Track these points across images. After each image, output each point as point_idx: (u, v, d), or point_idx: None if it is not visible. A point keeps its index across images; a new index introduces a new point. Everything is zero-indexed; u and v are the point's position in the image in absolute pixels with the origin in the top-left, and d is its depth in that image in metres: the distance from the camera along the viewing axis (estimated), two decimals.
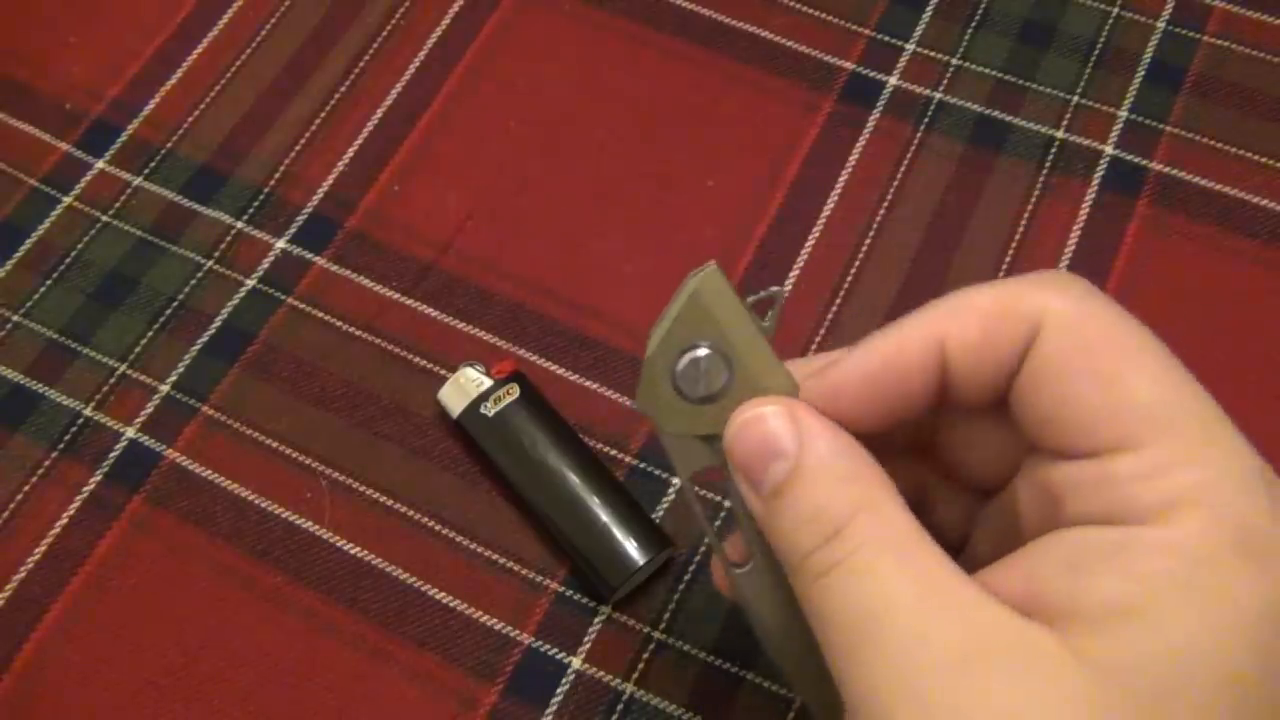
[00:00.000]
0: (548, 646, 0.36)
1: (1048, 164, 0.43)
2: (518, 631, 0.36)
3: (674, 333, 0.26)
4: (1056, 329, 0.24)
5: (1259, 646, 0.21)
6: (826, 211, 0.43)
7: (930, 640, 0.22)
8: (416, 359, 0.40)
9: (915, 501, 0.25)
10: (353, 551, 0.37)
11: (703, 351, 0.26)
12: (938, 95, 0.45)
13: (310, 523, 0.38)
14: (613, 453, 0.39)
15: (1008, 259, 0.41)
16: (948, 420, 0.28)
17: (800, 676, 0.28)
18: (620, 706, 0.35)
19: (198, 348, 0.41)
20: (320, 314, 0.41)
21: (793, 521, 0.25)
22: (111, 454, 0.39)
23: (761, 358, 0.26)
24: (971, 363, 0.25)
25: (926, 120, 0.44)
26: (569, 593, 0.37)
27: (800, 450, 0.25)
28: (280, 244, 0.43)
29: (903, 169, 0.43)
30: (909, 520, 0.24)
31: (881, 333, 0.26)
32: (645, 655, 0.36)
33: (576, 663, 0.36)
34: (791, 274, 0.42)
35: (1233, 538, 0.22)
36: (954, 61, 0.46)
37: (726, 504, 0.38)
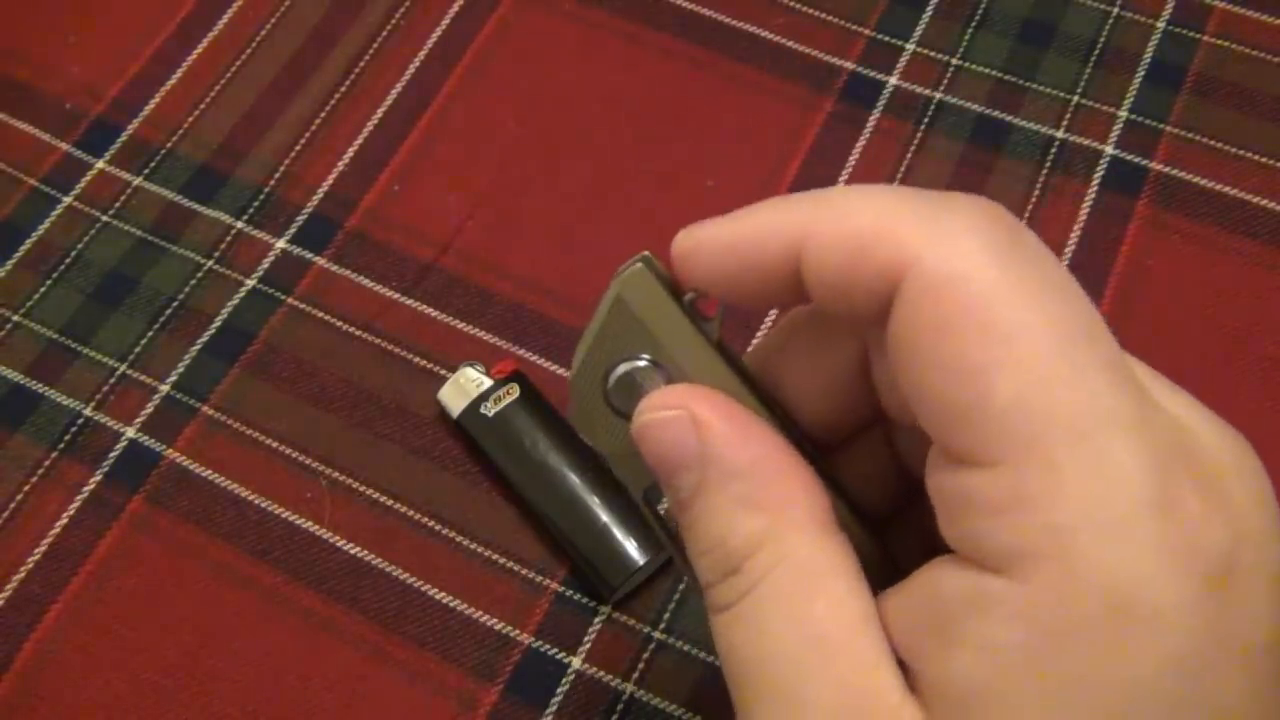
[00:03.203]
0: (548, 646, 0.36)
1: (1048, 164, 0.43)
2: (518, 631, 0.36)
3: (599, 347, 0.23)
4: (916, 291, 0.19)
5: None
6: None
7: (810, 706, 0.20)
8: (416, 359, 0.40)
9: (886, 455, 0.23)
10: (353, 551, 0.37)
11: (637, 363, 0.23)
12: (938, 95, 0.45)
13: (310, 523, 0.38)
14: None
15: None
16: (871, 345, 0.24)
17: None
18: (620, 706, 0.35)
19: (198, 348, 0.41)
20: (320, 314, 0.41)
21: (696, 546, 0.22)
22: (111, 454, 0.39)
23: (704, 367, 0.23)
24: (831, 286, 0.21)
25: (926, 120, 0.44)
26: (569, 593, 0.37)
27: (703, 466, 0.22)
28: (280, 244, 0.43)
29: (903, 169, 0.43)
30: (816, 553, 0.21)
31: (750, 213, 0.22)
32: (645, 655, 0.36)
33: (576, 663, 0.36)
34: None
35: (1101, 600, 0.18)
36: (954, 61, 0.46)
37: None
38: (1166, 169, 0.43)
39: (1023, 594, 0.18)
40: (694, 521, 0.22)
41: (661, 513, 0.26)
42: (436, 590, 0.37)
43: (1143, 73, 0.45)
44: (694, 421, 0.22)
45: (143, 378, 0.40)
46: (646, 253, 0.24)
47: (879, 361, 0.23)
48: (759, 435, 0.22)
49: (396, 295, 0.42)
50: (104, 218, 0.43)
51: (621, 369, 0.23)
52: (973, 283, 0.19)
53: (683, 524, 0.23)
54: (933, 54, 0.46)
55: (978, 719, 0.19)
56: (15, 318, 0.41)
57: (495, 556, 0.37)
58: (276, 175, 0.44)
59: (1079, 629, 0.18)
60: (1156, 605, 0.18)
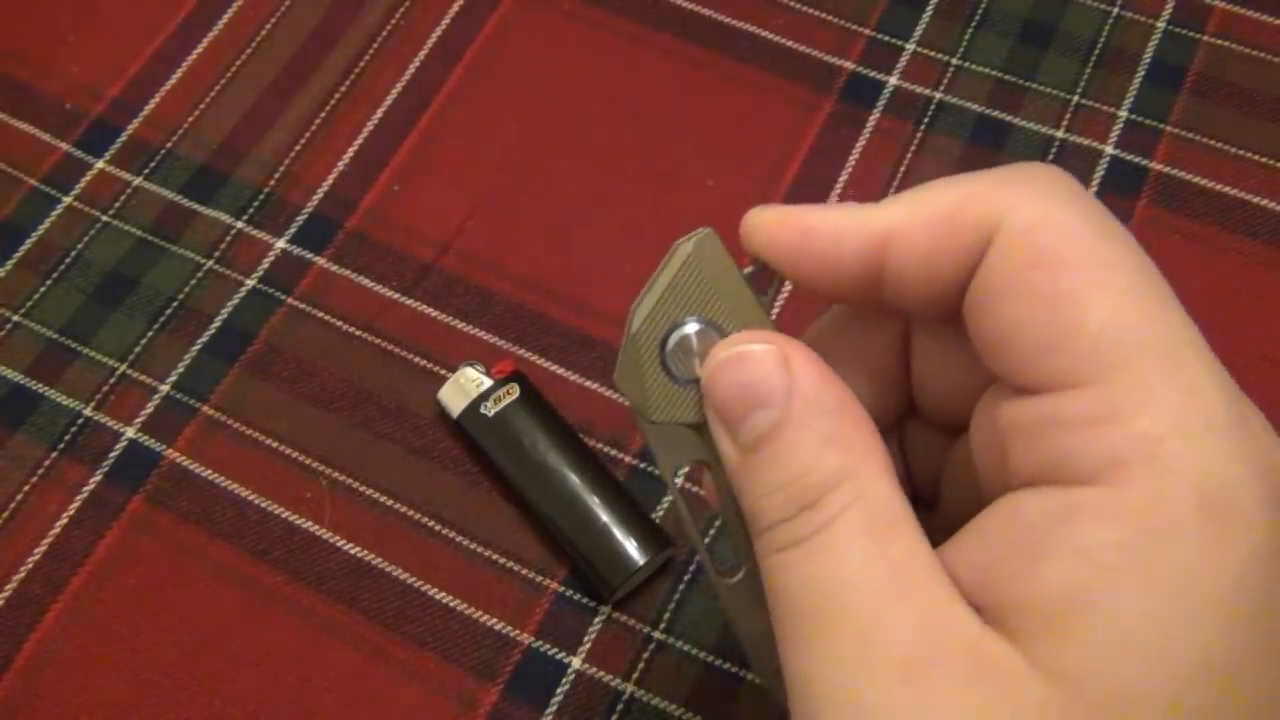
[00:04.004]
0: (548, 646, 0.36)
1: (1048, 164, 0.43)
2: (518, 631, 0.36)
3: (664, 305, 0.23)
4: (1009, 237, 0.21)
5: (1230, 624, 0.19)
6: None
7: (883, 640, 0.20)
8: (416, 359, 0.40)
9: (892, 447, 0.23)
10: (353, 551, 0.37)
11: (695, 327, 0.23)
12: (938, 95, 0.45)
13: (310, 523, 0.38)
14: (613, 453, 0.39)
15: None
16: (916, 341, 0.25)
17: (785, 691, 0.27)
18: (620, 706, 0.35)
19: (198, 348, 0.41)
20: (320, 314, 0.41)
21: (767, 484, 0.22)
22: (111, 454, 0.39)
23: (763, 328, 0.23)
24: (918, 272, 0.22)
25: (926, 120, 0.44)
26: (569, 593, 0.37)
27: (788, 401, 0.22)
28: (280, 244, 0.43)
29: (903, 169, 0.43)
30: (894, 497, 0.22)
31: (831, 210, 0.23)
32: (645, 655, 0.36)
33: (576, 663, 0.36)
34: None
35: (1192, 499, 0.19)
36: (954, 61, 0.46)
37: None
38: (1166, 169, 0.43)
39: (1118, 497, 0.19)
40: (770, 458, 0.22)
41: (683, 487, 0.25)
42: (436, 590, 0.37)
43: (1143, 73, 0.45)
44: (784, 358, 0.22)
45: (143, 378, 0.40)
46: (708, 227, 0.24)
47: (925, 350, 0.25)
48: (839, 381, 0.23)
49: (396, 295, 0.42)
50: (104, 218, 0.43)
51: (683, 331, 0.23)
52: (1064, 224, 0.21)
53: (750, 463, 0.22)
54: (933, 54, 0.46)
55: (1076, 621, 0.19)
56: (15, 318, 0.41)
57: (495, 556, 0.37)
58: (276, 175, 0.44)
59: (1175, 525, 0.19)
60: (1240, 504, 0.19)
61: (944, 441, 0.26)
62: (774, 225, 0.24)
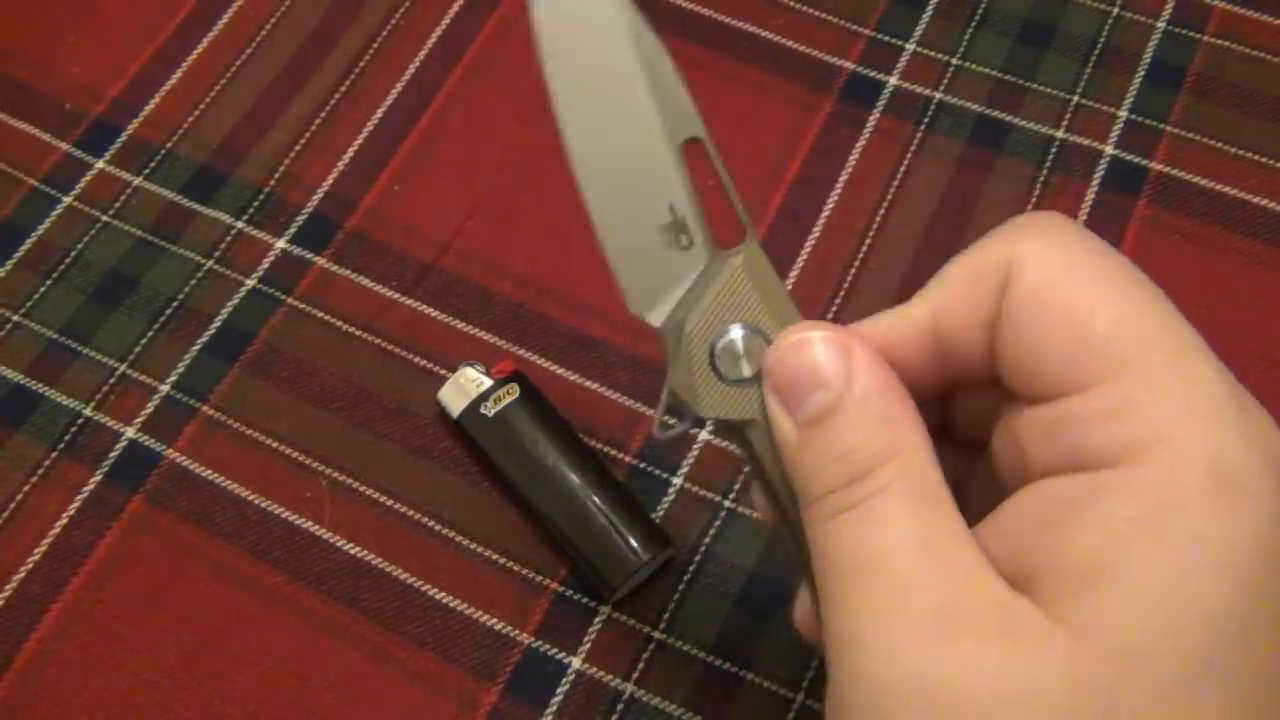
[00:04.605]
0: (548, 646, 0.36)
1: (1048, 164, 0.43)
2: (518, 631, 0.36)
3: (713, 312, 0.26)
4: (1023, 271, 0.24)
5: (1237, 586, 0.21)
6: (826, 211, 0.43)
7: (920, 597, 0.22)
8: (416, 359, 0.40)
9: None
10: (353, 551, 0.37)
11: (741, 332, 0.26)
12: (938, 95, 0.45)
13: (310, 523, 0.38)
14: (613, 453, 0.39)
15: None
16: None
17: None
18: (620, 706, 0.35)
19: (198, 348, 0.41)
20: (320, 314, 0.41)
21: (822, 457, 0.24)
22: (111, 454, 0.39)
23: None
24: (962, 331, 0.25)
25: (926, 120, 0.44)
26: (569, 593, 0.37)
27: (847, 384, 0.24)
28: (280, 244, 0.43)
29: (903, 169, 0.43)
30: (935, 473, 0.24)
31: (870, 325, 0.26)
32: (645, 655, 0.36)
33: (576, 663, 0.36)
34: (792, 274, 0.42)
35: (1204, 473, 0.21)
36: (954, 61, 0.46)
37: (726, 503, 0.38)
38: (1166, 169, 0.43)
39: (1136, 475, 0.22)
40: (827, 433, 0.24)
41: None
42: (436, 590, 0.37)
43: (1143, 73, 0.45)
44: (845, 345, 0.25)
45: (143, 378, 0.40)
46: (752, 239, 0.26)
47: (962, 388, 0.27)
48: (890, 370, 0.25)
49: (396, 295, 0.42)
50: (104, 218, 0.43)
51: (727, 337, 0.26)
52: (1068, 253, 0.24)
53: (808, 438, 0.25)
54: (933, 54, 0.46)
55: (1096, 582, 0.21)
56: (15, 318, 0.41)
57: (495, 556, 0.37)
58: (276, 175, 0.44)
59: (1190, 497, 0.21)
60: (1246, 476, 0.21)
61: (956, 455, 0.28)
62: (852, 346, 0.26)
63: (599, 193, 0.27)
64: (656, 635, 0.36)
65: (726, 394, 0.26)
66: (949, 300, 0.25)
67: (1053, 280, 0.24)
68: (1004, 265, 0.24)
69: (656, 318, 0.27)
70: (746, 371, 0.26)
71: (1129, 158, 0.43)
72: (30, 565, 0.37)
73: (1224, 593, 0.21)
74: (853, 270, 0.42)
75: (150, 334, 0.41)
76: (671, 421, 0.27)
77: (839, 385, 0.24)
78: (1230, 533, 0.21)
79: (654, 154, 0.27)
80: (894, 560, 0.23)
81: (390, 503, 0.38)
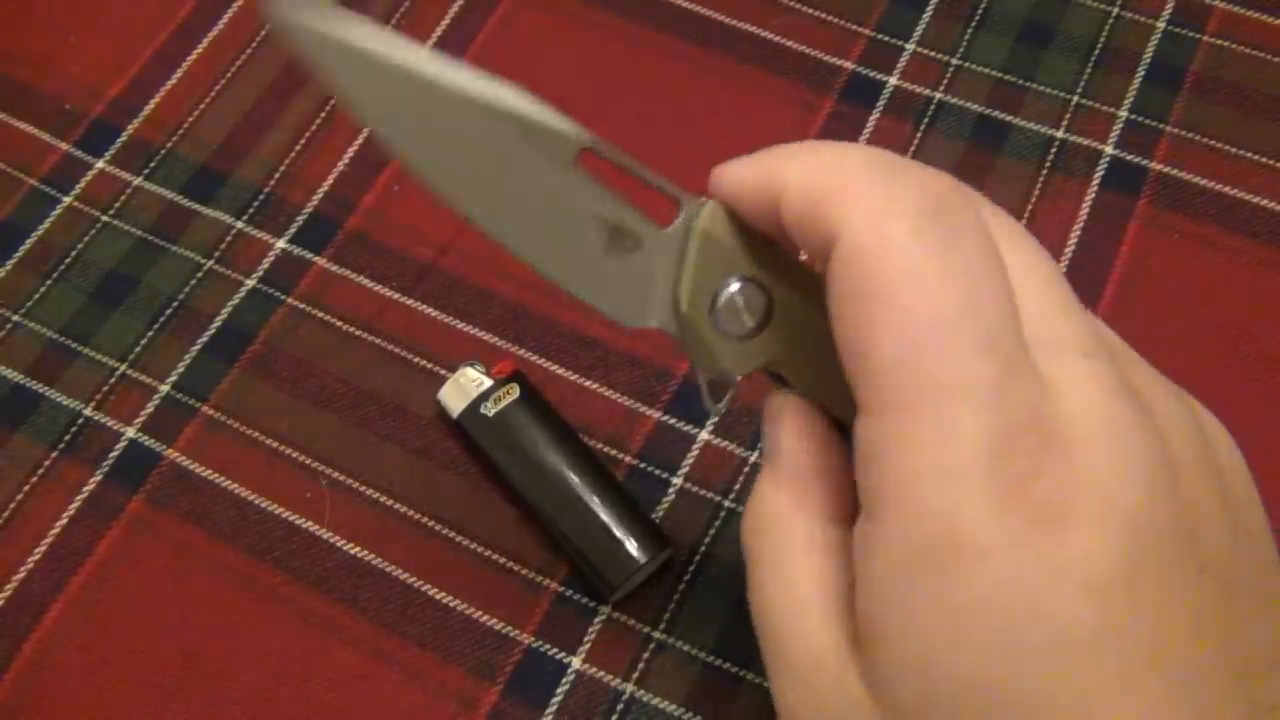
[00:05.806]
0: (548, 646, 0.36)
1: (1048, 164, 0.43)
2: (518, 631, 0.36)
3: (700, 278, 0.26)
4: (838, 263, 0.22)
5: (964, 651, 0.21)
6: None
7: (785, 650, 0.24)
8: (416, 359, 0.40)
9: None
10: (353, 551, 0.37)
11: (735, 285, 0.26)
12: (938, 95, 0.45)
13: (310, 523, 0.38)
14: (613, 453, 0.39)
15: None
16: None
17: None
18: (620, 706, 0.35)
19: (198, 348, 0.41)
20: (320, 314, 0.41)
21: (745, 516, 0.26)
22: (111, 454, 0.39)
23: (802, 275, 0.25)
24: (801, 244, 0.24)
25: (926, 120, 0.44)
26: (569, 593, 0.37)
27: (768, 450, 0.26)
28: (280, 244, 0.43)
29: None
30: (811, 533, 0.25)
31: (764, 153, 0.25)
32: (645, 655, 0.36)
33: (576, 663, 0.36)
34: None
35: (931, 536, 0.21)
36: (954, 61, 0.46)
37: (726, 504, 0.38)
38: (1166, 169, 0.43)
39: (879, 532, 0.22)
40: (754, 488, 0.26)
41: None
42: (436, 590, 0.37)
43: (1143, 73, 0.45)
44: (772, 417, 0.26)
45: (143, 378, 0.40)
46: (706, 198, 0.26)
47: None
48: (812, 432, 0.26)
49: (396, 295, 0.42)
50: (104, 218, 0.43)
51: (725, 294, 0.26)
52: (891, 248, 0.22)
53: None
54: (933, 54, 0.46)
55: (868, 641, 0.22)
56: (15, 318, 0.41)
57: (495, 556, 0.37)
58: (276, 175, 0.44)
59: (919, 559, 0.21)
60: (981, 539, 0.21)
61: None
62: (719, 188, 0.26)
63: (532, 250, 0.26)
64: (656, 635, 0.36)
65: (746, 347, 0.26)
66: (788, 213, 0.24)
67: (860, 285, 0.22)
68: (830, 233, 0.22)
69: (652, 319, 0.27)
70: (750, 322, 0.26)
71: (1129, 158, 0.43)
72: (30, 565, 0.37)
73: (973, 661, 0.21)
74: None
75: (150, 334, 0.41)
76: (719, 401, 0.27)
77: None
78: (959, 595, 0.21)
79: (555, 188, 0.26)
80: (769, 618, 0.25)
81: (390, 503, 0.38)
